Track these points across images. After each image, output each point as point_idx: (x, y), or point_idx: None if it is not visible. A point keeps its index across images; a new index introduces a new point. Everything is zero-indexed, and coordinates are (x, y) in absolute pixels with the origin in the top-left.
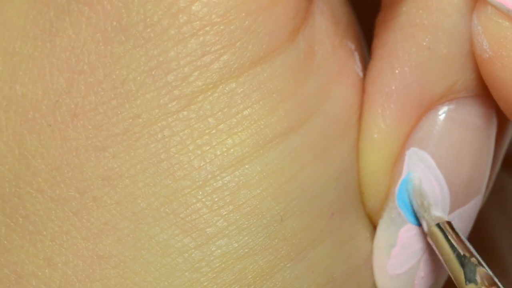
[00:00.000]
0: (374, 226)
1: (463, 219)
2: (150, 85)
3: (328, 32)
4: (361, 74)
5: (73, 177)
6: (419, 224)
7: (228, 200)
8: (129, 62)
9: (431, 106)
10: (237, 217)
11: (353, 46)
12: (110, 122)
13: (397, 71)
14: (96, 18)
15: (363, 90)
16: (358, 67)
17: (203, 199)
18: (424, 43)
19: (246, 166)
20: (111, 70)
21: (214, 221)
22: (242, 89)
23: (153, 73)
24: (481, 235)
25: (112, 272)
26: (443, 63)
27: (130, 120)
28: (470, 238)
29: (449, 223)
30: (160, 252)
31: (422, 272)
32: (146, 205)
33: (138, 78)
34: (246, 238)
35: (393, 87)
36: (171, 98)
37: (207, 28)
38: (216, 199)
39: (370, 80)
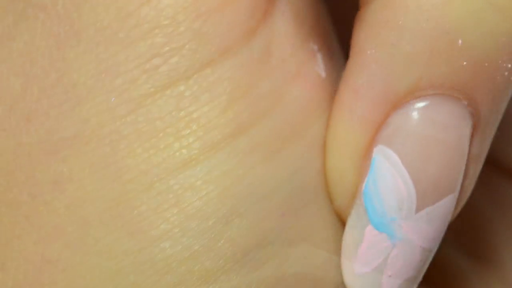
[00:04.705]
0: (340, 225)
1: (432, 219)
2: (100, 89)
3: (288, 34)
4: (323, 74)
5: (26, 181)
6: (379, 228)
7: (172, 203)
8: (80, 66)
9: (398, 103)
10: (182, 219)
11: (316, 47)
12: (61, 126)
13: (364, 68)
14: (50, 23)
15: (325, 91)
16: (320, 67)
17: (148, 202)
18: (389, 40)
19: (192, 169)
20: (63, 74)
21: (158, 224)
22: (191, 92)
23: (102, 76)
24: (483, 247)
25: (60, 276)
26: (407, 60)
27: (80, 124)
28: (471, 249)
29: None
30: (106, 256)
31: (389, 271)
32: (94, 209)
33: (88, 82)
34: (191, 240)
35: (360, 84)
36: (119, 102)
37: (156, 31)
38: (161, 202)
39: (343, 78)
